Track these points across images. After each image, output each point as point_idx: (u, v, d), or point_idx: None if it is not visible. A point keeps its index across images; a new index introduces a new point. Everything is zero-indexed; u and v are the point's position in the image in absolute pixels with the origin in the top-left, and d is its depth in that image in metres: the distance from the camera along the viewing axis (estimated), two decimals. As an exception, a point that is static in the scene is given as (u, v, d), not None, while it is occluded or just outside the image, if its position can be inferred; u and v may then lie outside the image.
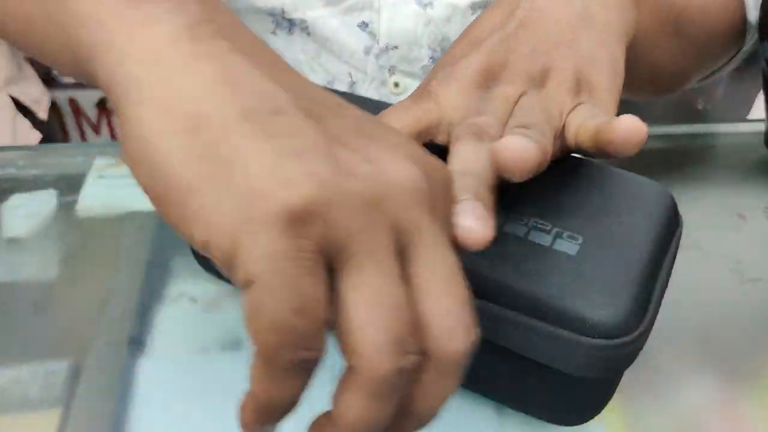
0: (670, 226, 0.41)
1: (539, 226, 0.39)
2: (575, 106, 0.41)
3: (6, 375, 0.49)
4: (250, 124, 0.26)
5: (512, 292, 0.36)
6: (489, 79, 0.41)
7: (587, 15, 0.43)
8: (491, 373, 0.41)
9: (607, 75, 0.42)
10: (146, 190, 0.27)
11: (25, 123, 1.19)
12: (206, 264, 0.46)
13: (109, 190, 0.66)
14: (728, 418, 0.47)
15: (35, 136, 1.19)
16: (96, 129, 1.64)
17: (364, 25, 0.71)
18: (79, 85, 1.57)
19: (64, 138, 1.63)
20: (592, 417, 0.42)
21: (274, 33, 0.73)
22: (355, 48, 0.72)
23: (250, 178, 0.25)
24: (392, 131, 0.30)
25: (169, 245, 0.60)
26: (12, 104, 1.17)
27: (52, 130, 1.47)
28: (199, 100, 0.27)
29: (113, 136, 1.65)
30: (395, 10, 0.70)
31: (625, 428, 0.45)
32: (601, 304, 0.35)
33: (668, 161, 0.66)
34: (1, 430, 0.46)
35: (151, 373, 0.50)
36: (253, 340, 0.24)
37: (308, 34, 0.72)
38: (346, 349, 0.25)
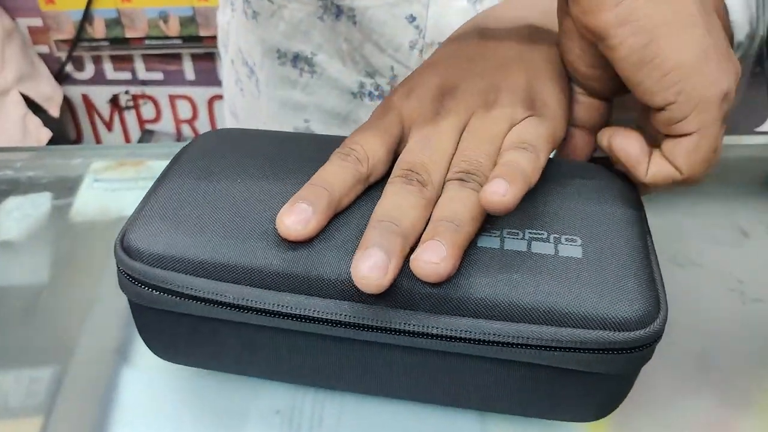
0: (641, 208, 0.43)
1: (536, 235, 0.39)
2: (523, 119, 0.44)
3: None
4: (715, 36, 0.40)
5: (538, 311, 0.36)
6: (444, 94, 0.45)
7: (536, 34, 0.50)
8: (501, 388, 0.40)
9: (554, 88, 0.46)
10: (630, 49, 0.39)
11: (35, 120, 1.19)
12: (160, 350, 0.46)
13: (105, 194, 0.66)
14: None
15: (45, 134, 1.19)
16: (108, 126, 1.64)
17: (411, 18, 0.70)
18: (92, 82, 1.57)
19: (78, 135, 1.64)
20: (613, 410, 0.41)
21: (321, 18, 0.72)
22: (401, 41, 0.71)
23: (714, 71, 0.40)
24: None
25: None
26: (23, 102, 1.17)
27: (65, 126, 1.47)
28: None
29: (125, 131, 1.65)
30: (444, 5, 0.68)
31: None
32: (626, 300, 0.36)
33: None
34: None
35: (135, 383, 0.49)
36: (698, 171, 0.42)
37: (354, 23, 0.71)
38: None
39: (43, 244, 0.61)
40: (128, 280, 0.40)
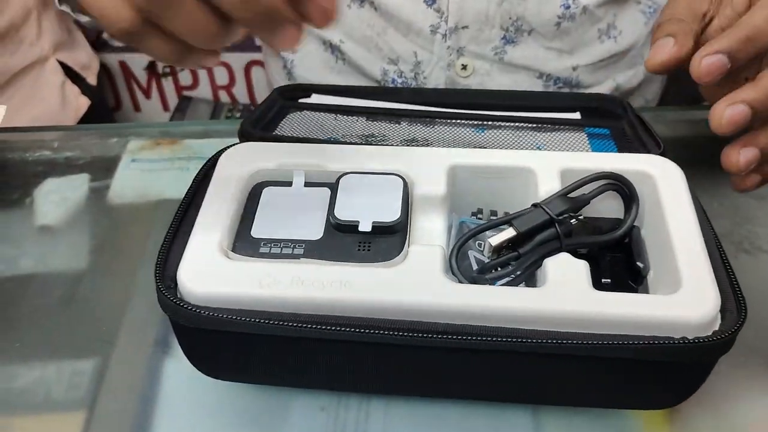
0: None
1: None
2: None
3: (31, 374, 0.48)
4: None
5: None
6: None
7: None
8: (588, 383, 0.41)
9: None
10: None
11: (74, 89, 1.18)
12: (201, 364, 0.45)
13: (142, 174, 0.64)
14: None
15: (84, 102, 1.18)
16: (147, 93, 1.63)
17: (430, 1, 0.68)
18: (128, 49, 1.56)
19: (116, 102, 1.62)
20: (688, 397, 0.41)
21: (348, 6, 0.71)
22: (421, 26, 0.70)
23: None
24: None
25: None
26: (61, 70, 1.16)
27: (103, 95, 1.47)
28: None
29: (163, 99, 1.64)
30: None
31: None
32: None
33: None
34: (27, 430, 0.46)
35: (177, 375, 0.48)
36: None
37: (375, 8, 0.70)
38: None
39: (81, 229, 0.60)
40: (184, 308, 0.38)
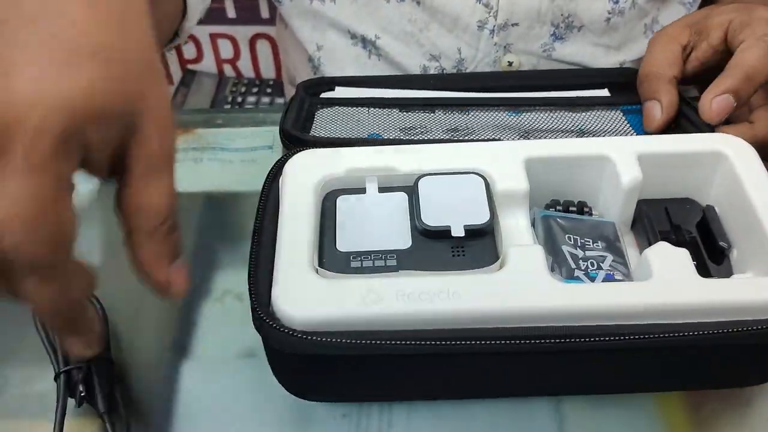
0: None
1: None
2: None
3: (47, 377, 0.45)
4: None
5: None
6: None
7: None
8: (686, 369, 0.41)
9: None
10: None
11: None
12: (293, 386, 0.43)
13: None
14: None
15: None
16: None
17: None
18: None
19: None
20: None
21: (387, 1, 0.68)
22: (468, 21, 0.67)
23: None
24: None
25: (215, 232, 0.56)
26: None
27: None
28: None
29: (167, 72, 1.59)
30: None
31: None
32: None
33: None
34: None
35: (196, 379, 0.47)
36: None
37: (418, 2, 0.67)
38: None
39: (90, 225, 0.56)
40: (291, 335, 0.37)
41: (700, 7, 0.70)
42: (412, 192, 0.43)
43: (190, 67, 1.60)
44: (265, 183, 0.45)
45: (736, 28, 0.51)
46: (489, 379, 0.41)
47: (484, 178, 0.43)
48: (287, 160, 0.45)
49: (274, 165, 0.46)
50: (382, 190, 0.43)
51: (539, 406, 0.44)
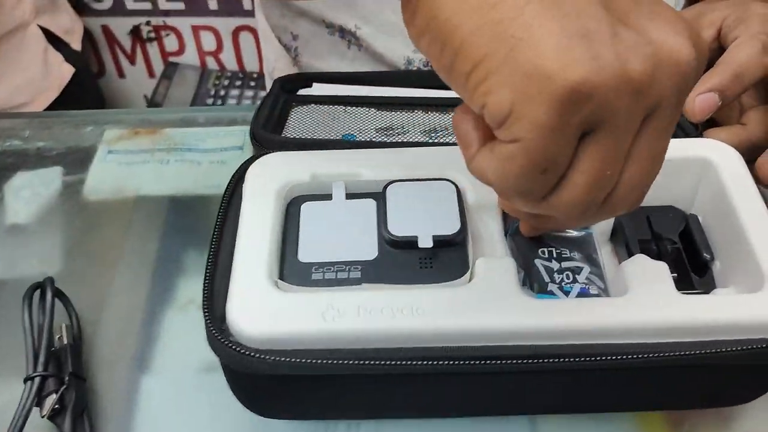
0: None
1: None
2: None
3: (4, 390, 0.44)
4: (540, 2, 0.27)
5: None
6: None
7: None
8: (677, 388, 0.40)
9: None
10: (433, 56, 0.30)
11: (57, 56, 1.11)
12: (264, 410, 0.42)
13: (119, 168, 0.59)
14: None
15: (68, 69, 1.12)
16: (131, 59, 1.57)
17: None
18: (111, 12, 1.49)
19: (100, 68, 1.56)
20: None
21: None
22: None
23: (537, 56, 0.27)
24: (668, 5, 0.30)
25: (180, 238, 0.54)
26: (43, 36, 1.10)
27: (87, 61, 1.40)
28: None
29: (148, 65, 1.58)
30: None
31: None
32: None
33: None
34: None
35: (157, 392, 0.45)
36: (502, 185, 0.30)
37: None
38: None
39: (53, 229, 0.55)
40: (246, 355, 0.35)
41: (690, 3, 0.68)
42: (380, 199, 0.41)
43: (172, 59, 1.58)
44: (227, 188, 0.42)
45: (730, 24, 0.49)
46: (457, 398, 0.39)
47: (456, 185, 0.41)
48: (250, 164, 0.43)
49: (238, 169, 0.43)
50: (350, 196, 0.41)
51: (513, 426, 0.42)
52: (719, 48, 0.49)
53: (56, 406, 0.41)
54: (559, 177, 0.29)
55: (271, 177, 0.42)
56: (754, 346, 0.35)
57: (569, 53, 0.26)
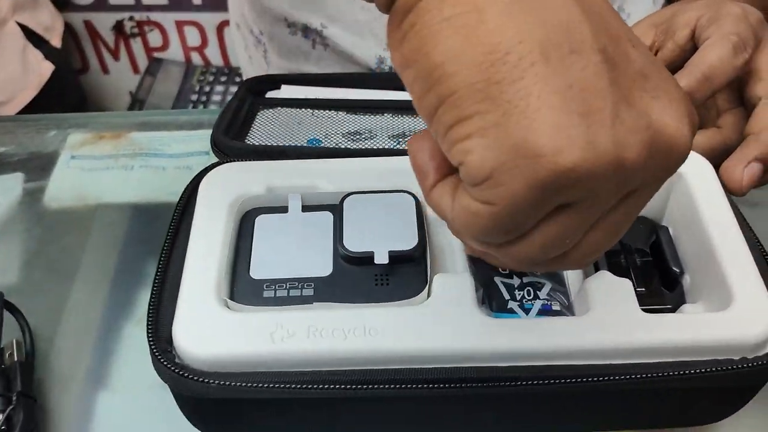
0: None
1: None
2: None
3: None
4: (545, 66, 0.25)
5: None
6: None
7: None
8: (647, 409, 0.39)
9: None
10: (415, 92, 0.28)
11: (36, 54, 1.11)
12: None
13: (82, 174, 0.58)
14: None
15: (47, 67, 1.11)
16: (115, 54, 1.56)
17: None
18: (93, 7, 1.48)
19: (83, 65, 1.55)
20: (738, 410, 0.39)
21: None
22: None
23: (530, 131, 0.25)
24: (671, 78, 0.29)
25: (142, 247, 0.52)
26: (21, 34, 1.09)
27: (69, 57, 1.39)
28: (501, 28, 0.26)
29: (132, 61, 1.57)
30: None
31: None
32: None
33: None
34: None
35: (111, 410, 0.44)
36: (459, 230, 0.29)
37: None
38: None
39: (11, 238, 0.54)
40: (190, 379, 0.33)
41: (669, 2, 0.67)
42: (337, 212, 0.39)
43: (157, 55, 1.57)
44: (179, 200, 0.41)
45: (704, 24, 0.48)
46: (410, 422, 0.38)
47: (416, 197, 0.39)
48: (203, 176, 0.41)
49: (192, 180, 0.42)
50: (307, 209, 0.40)
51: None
52: (693, 48, 0.48)
53: (2, 427, 0.40)
54: (519, 236, 0.28)
55: (225, 189, 0.40)
56: (718, 368, 0.33)
57: (565, 134, 0.25)
